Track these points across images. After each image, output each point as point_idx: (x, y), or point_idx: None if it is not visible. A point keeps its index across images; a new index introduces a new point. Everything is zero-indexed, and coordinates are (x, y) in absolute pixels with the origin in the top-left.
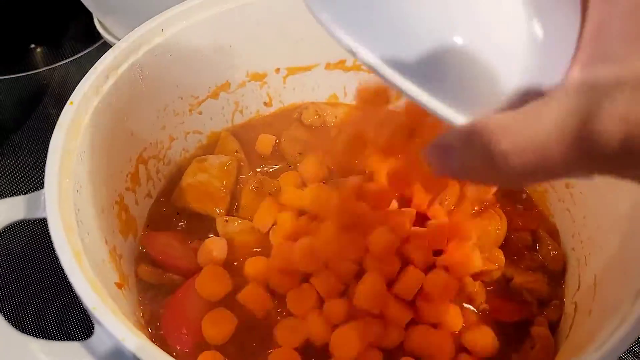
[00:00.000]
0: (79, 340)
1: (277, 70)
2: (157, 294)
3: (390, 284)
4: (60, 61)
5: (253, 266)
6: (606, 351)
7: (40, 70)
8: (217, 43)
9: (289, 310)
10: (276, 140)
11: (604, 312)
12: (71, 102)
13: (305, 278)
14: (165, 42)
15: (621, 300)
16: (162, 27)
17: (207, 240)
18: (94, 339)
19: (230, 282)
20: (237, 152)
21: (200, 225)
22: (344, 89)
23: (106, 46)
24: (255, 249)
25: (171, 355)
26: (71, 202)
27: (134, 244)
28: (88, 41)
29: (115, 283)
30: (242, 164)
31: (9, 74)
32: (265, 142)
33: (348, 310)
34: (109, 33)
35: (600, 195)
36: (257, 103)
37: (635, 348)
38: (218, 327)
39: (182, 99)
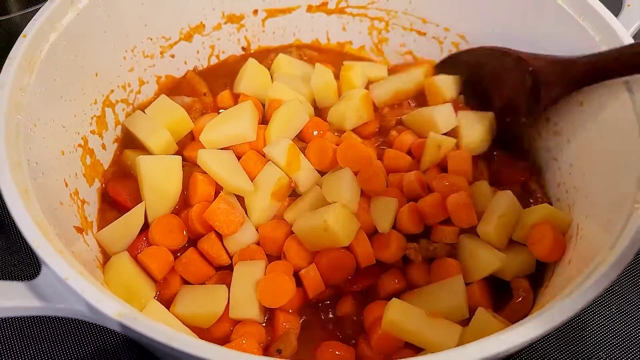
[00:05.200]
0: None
1: (255, 12)
2: None
3: None
4: (33, 6)
5: None
6: (577, 296)
7: (14, 15)
8: None
9: None
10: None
11: (582, 260)
12: (24, 35)
13: None
14: None
15: (600, 247)
16: None
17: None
18: (39, 279)
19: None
20: (205, 94)
21: None
22: (327, 33)
23: None
24: None
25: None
26: (21, 140)
27: (101, 190)
28: None
29: (74, 227)
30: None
31: None
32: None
33: None
34: None
35: (588, 142)
36: (235, 48)
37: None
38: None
39: (151, 40)
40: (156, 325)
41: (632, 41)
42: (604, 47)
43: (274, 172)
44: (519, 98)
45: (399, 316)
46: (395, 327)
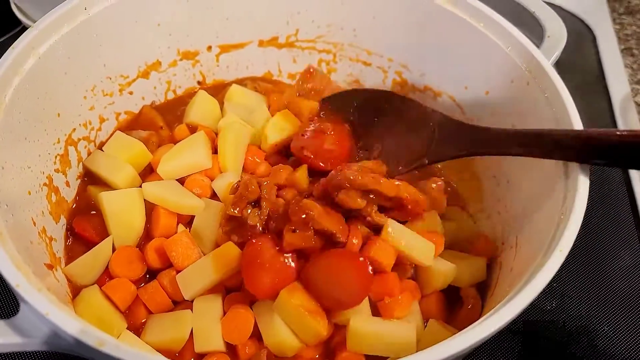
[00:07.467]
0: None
1: (209, 48)
2: None
3: None
4: None
5: None
6: (517, 301)
7: None
8: (144, 21)
9: None
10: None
11: (521, 268)
12: None
13: None
14: (90, 21)
15: (534, 256)
16: (86, 5)
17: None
18: (19, 316)
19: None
20: (161, 127)
21: None
22: (278, 65)
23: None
24: None
25: None
26: None
27: (67, 226)
28: (6, 27)
29: (45, 264)
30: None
31: None
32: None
33: None
34: (28, 17)
35: (521, 160)
36: (191, 82)
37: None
38: None
39: (110, 79)
40: (137, 352)
41: (553, 70)
42: (528, 75)
43: (217, 205)
44: (414, 145)
45: (362, 327)
46: (360, 339)
